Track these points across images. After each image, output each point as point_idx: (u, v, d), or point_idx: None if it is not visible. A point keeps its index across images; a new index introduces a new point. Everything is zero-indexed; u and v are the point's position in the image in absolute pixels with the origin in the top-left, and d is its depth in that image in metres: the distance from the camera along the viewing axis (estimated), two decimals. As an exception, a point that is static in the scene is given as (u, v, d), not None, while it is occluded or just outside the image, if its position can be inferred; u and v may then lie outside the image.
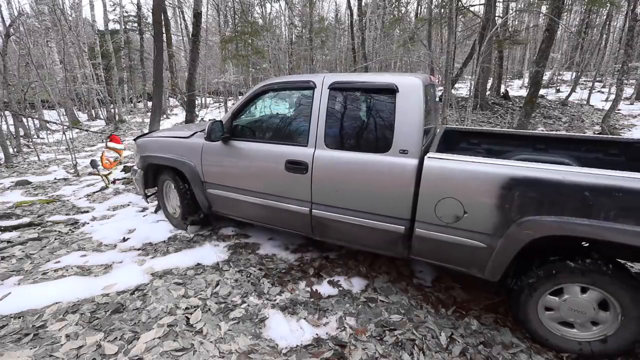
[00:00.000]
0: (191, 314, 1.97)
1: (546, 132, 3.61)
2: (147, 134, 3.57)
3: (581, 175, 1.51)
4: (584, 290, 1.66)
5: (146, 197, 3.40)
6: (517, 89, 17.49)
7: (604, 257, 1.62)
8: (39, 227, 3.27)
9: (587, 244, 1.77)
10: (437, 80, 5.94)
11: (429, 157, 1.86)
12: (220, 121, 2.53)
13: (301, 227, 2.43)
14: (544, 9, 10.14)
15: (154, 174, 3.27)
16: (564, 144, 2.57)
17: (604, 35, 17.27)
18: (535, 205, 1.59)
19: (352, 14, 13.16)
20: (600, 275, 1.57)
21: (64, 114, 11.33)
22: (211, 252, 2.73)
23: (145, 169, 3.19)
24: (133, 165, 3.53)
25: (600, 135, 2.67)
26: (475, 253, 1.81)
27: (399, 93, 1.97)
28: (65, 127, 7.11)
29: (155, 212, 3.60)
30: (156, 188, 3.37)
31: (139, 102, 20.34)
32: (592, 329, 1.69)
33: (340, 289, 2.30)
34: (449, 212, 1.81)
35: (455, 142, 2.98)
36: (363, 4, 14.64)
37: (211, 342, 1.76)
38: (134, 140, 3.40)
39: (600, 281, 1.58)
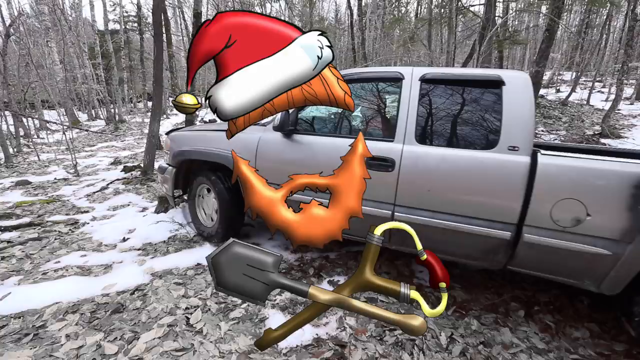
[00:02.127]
0: (191, 314, 1.97)
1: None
2: (179, 128, 3.31)
3: None
4: None
5: (174, 198, 3.14)
6: (517, 89, 17.44)
7: None
8: (39, 227, 3.27)
9: None
10: None
11: (543, 154, 1.74)
12: (288, 111, 2.28)
13: None
14: (543, 9, 10.15)
15: (186, 174, 3.00)
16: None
17: (604, 35, 17.28)
18: None
19: (352, 14, 13.18)
20: None
21: (64, 114, 11.33)
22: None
23: (179, 165, 2.89)
24: (160, 163, 3.24)
25: None
26: (595, 262, 1.63)
27: (505, 86, 1.87)
28: (65, 127, 7.10)
29: (156, 212, 3.60)
30: (180, 191, 3.13)
31: (139, 102, 20.35)
32: None
33: (340, 289, 2.30)
34: (568, 215, 1.64)
35: None
36: (363, 4, 14.66)
37: (211, 342, 1.75)
38: (166, 134, 3.19)
39: None
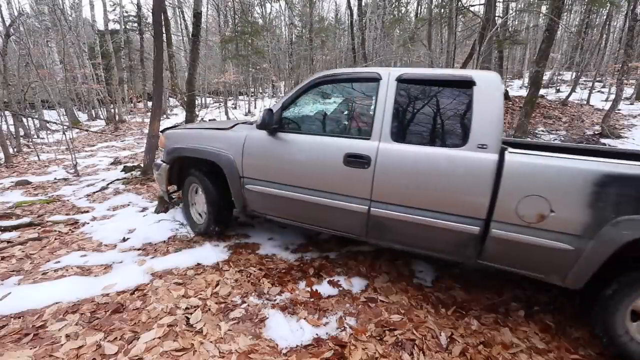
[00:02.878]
0: (191, 314, 1.97)
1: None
2: (175, 126, 3.44)
3: None
4: None
5: (168, 194, 3.21)
6: (517, 89, 17.49)
7: None
8: (39, 227, 3.27)
9: None
10: None
11: (510, 152, 1.80)
12: (272, 109, 2.40)
13: (353, 228, 2.29)
14: (543, 9, 10.15)
15: (179, 172, 3.08)
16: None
17: (604, 35, 17.26)
18: (635, 204, 1.51)
19: (352, 14, 13.16)
20: None
21: (64, 114, 11.32)
22: (211, 252, 2.73)
23: (172, 162, 2.98)
24: (156, 160, 3.33)
25: None
26: (559, 257, 1.70)
27: (476, 86, 1.93)
28: (65, 127, 7.10)
29: (156, 212, 3.60)
30: (175, 187, 3.24)
31: (139, 102, 20.33)
32: None
33: (341, 289, 2.30)
34: (532, 211, 1.70)
35: None
36: (363, 4, 14.65)
37: (211, 342, 1.76)
38: (161, 132, 3.27)
39: None
